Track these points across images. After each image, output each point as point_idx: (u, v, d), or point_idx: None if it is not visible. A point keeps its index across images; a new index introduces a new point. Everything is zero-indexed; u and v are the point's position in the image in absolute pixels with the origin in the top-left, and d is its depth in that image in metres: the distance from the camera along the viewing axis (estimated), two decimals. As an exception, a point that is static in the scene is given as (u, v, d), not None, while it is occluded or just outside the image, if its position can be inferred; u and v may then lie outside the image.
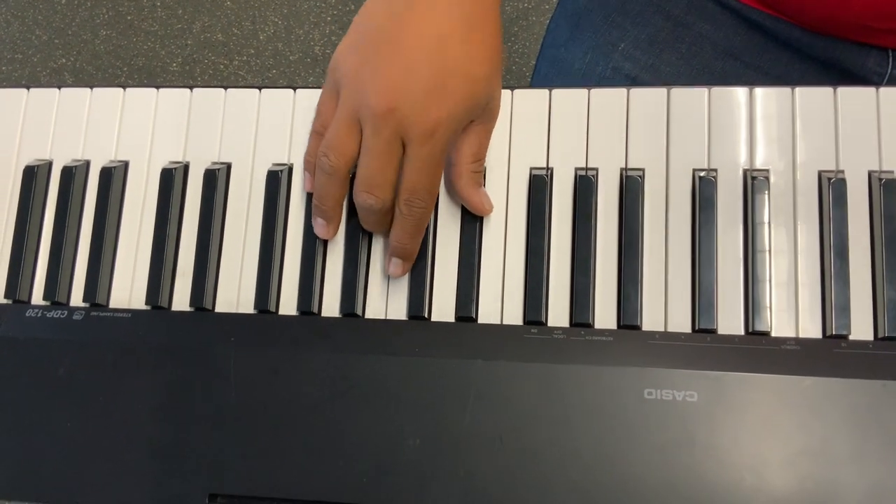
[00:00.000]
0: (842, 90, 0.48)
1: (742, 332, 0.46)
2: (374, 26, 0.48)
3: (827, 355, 0.44)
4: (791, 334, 0.46)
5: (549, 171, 0.50)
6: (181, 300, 0.51)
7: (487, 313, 0.49)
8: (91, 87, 0.55)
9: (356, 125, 0.47)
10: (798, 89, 0.49)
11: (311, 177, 0.51)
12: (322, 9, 1.73)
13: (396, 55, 0.46)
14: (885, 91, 0.48)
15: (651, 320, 0.47)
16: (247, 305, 0.50)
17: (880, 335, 0.45)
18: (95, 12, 1.79)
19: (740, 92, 0.49)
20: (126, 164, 0.54)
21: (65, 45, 1.78)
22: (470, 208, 0.49)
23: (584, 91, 0.50)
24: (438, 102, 0.45)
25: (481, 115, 0.48)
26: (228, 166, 0.53)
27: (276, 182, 0.51)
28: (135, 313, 0.50)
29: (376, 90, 0.45)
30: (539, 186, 0.49)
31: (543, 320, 0.48)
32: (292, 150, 0.53)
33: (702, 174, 0.48)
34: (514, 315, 0.48)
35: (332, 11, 1.73)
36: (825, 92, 0.49)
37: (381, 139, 0.45)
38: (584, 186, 0.49)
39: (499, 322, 0.48)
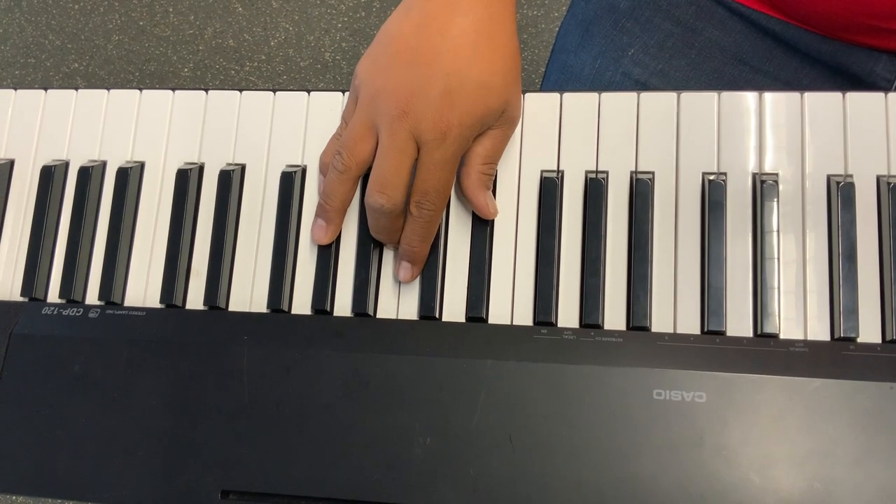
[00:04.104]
0: (850, 95, 0.49)
1: (751, 334, 0.47)
2: (393, 38, 0.49)
3: (835, 357, 0.45)
4: (799, 336, 0.46)
5: (560, 174, 0.50)
6: (195, 299, 0.52)
7: (498, 314, 0.49)
8: (108, 89, 0.56)
9: (372, 129, 0.48)
10: (807, 94, 0.49)
11: (320, 174, 0.52)
12: (333, 16, 1.74)
13: (413, 64, 0.47)
14: (894, 96, 0.48)
15: (660, 322, 0.47)
16: (260, 305, 0.51)
17: (888, 338, 0.45)
18: (108, 18, 1.81)
19: (750, 96, 0.50)
20: (142, 165, 0.55)
21: (77, 50, 1.79)
22: (474, 209, 0.50)
23: (594, 95, 0.51)
24: (452, 108, 0.46)
25: (498, 122, 0.49)
26: (243, 167, 0.54)
27: (290, 183, 0.52)
28: (149, 312, 0.51)
29: (393, 95, 0.47)
30: (550, 188, 0.50)
31: (553, 321, 0.48)
32: (306, 151, 0.53)
33: (711, 177, 0.49)
34: (524, 316, 0.49)
35: (343, 18, 1.74)
36: (834, 97, 0.49)
37: (396, 140, 0.47)
38: (595, 189, 0.49)
39: (509, 322, 0.49)
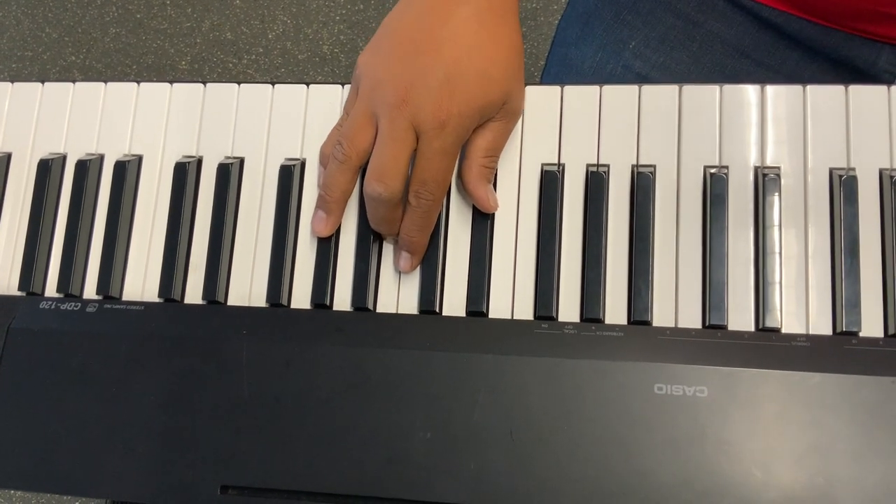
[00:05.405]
0: (853, 88, 0.49)
1: (752, 329, 0.46)
2: (395, 29, 0.50)
3: (837, 352, 0.45)
4: (801, 331, 0.46)
5: (561, 167, 0.50)
6: (194, 293, 0.52)
7: (498, 308, 0.49)
8: (105, 82, 0.56)
9: (372, 119, 0.48)
10: (809, 87, 0.49)
11: (320, 166, 0.52)
12: (331, 8, 1.74)
13: (413, 54, 0.47)
14: (897, 89, 0.48)
15: (661, 316, 0.47)
16: (259, 299, 0.51)
17: (890, 332, 0.45)
18: (105, 10, 1.80)
19: (751, 89, 0.49)
20: (140, 158, 0.54)
21: (74, 43, 1.79)
22: (475, 202, 0.49)
23: (596, 88, 0.51)
24: (451, 98, 0.46)
25: (500, 114, 0.48)
26: (241, 160, 0.53)
27: (289, 176, 0.52)
28: (147, 306, 0.51)
29: (393, 85, 0.47)
30: (550, 182, 0.49)
31: (554, 315, 0.48)
32: (305, 144, 0.53)
33: (713, 171, 0.48)
34: (524, 310, 0.49)
35: (341, 11, 1.73)
36: (836, 90, 0.49)
37: (394, 129, 0.46)
38: (596, 182, 0.49)
39: (509, 317, 0.49)
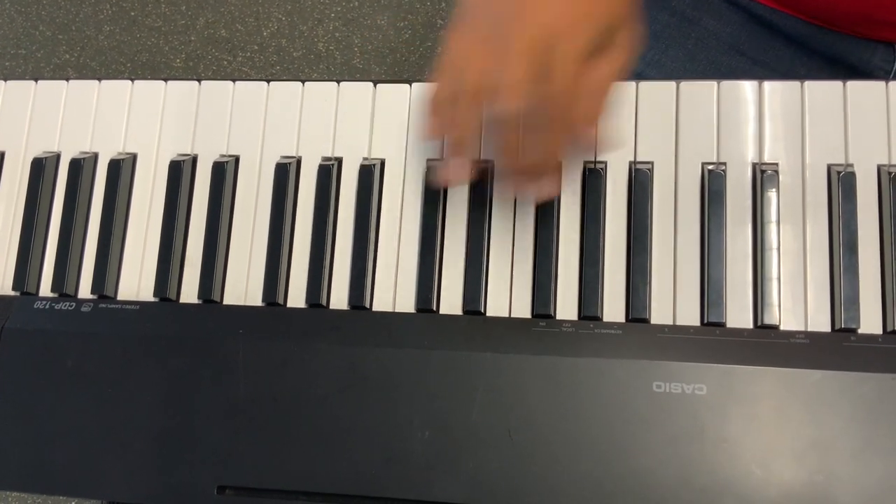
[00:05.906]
0: (851, 84, 0.48)
1: (751, 326, 0.46)
2: None
3: (836, 349, 0.44)
4: (800, 327, 0.46)
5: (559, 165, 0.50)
6: (189, 292, 0.51)
7: (496, 306, 0.49)
8: (99, 80, 0.56)
9: (485, 44, 0.43)
10: (807, 83, 0.49)
11: (435, 118, 0.46)
12: (326, 5, 1.73)
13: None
14: (895, 85, 0.48)
15: (660, 313, 0.47)
16: (255, 298, 0.51)
17: (889, 329, 0.45)
18: (99, 8, 1.79)
19: (749, 86, 0.49)
20: (134, 157, 0.54)
21: (68, 41, 1.78)
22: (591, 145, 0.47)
23: (592, 84, 0.50)
24: (572, 5, 0.41)
25: (616, 44, 0.44)
26: (237, 159, 0.53)
27: (285, 174, 0.51)
28: (143, 305, 0.51)
29: (501, 3, 0.42)
30: (548, 180, 0.49)
31: (552, 313, 0.48)
32: (300, 142, 0.53)
33: (711, 167, 0.48)
34: (522, 308, 0.48)
35: (336, 8, 1.73)
36: (834, 86, 0.49)
37: (514, 42, 0.42)
38: (593, 179, 0.49)
39: (507, 315, 0.48)
